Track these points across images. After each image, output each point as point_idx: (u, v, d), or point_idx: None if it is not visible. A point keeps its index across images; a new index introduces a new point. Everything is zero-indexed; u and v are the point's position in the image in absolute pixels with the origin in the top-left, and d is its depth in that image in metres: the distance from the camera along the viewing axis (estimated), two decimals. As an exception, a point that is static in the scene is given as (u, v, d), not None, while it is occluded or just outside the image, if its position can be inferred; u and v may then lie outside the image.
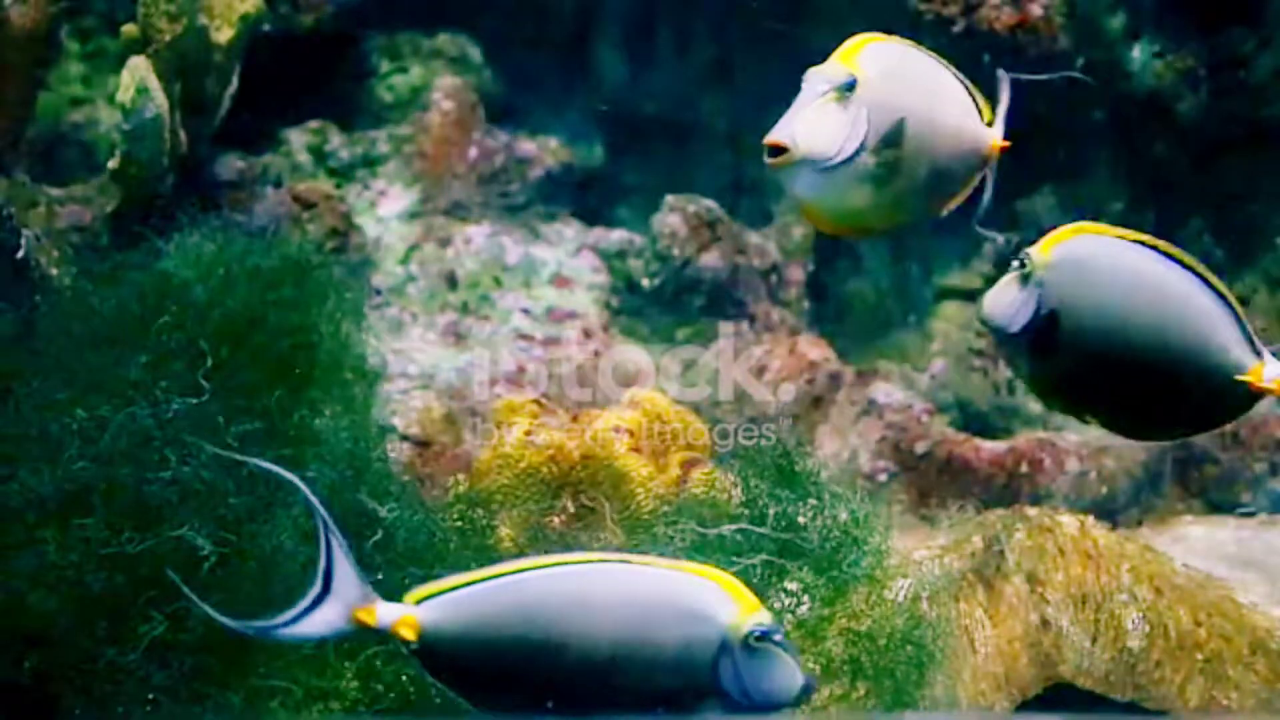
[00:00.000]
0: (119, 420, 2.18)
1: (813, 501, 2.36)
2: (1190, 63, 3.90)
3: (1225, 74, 3.89)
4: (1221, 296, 1.85)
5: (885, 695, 2.29)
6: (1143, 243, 1.87)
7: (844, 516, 2.35)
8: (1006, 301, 1.90)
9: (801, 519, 2.34)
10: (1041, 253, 1.89)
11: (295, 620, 1.80)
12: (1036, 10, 3.81)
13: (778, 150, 1.98)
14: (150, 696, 2.13)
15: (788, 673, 1.80)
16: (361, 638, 1.83)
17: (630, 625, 1.77)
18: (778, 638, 1.80)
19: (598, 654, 1.77)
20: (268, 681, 2.11)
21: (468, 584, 1.81)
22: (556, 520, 2.50)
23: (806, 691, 1.82)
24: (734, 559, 2.27)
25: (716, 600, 1.79)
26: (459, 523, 2.35)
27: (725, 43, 4.14)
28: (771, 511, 2.35)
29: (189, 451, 2.18)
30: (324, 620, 1.80)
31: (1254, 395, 1.84)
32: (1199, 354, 1.81)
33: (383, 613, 1.80)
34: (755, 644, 1.78)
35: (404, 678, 2.20)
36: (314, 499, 1.82)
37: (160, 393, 2.21)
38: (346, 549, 1.80)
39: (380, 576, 2.06)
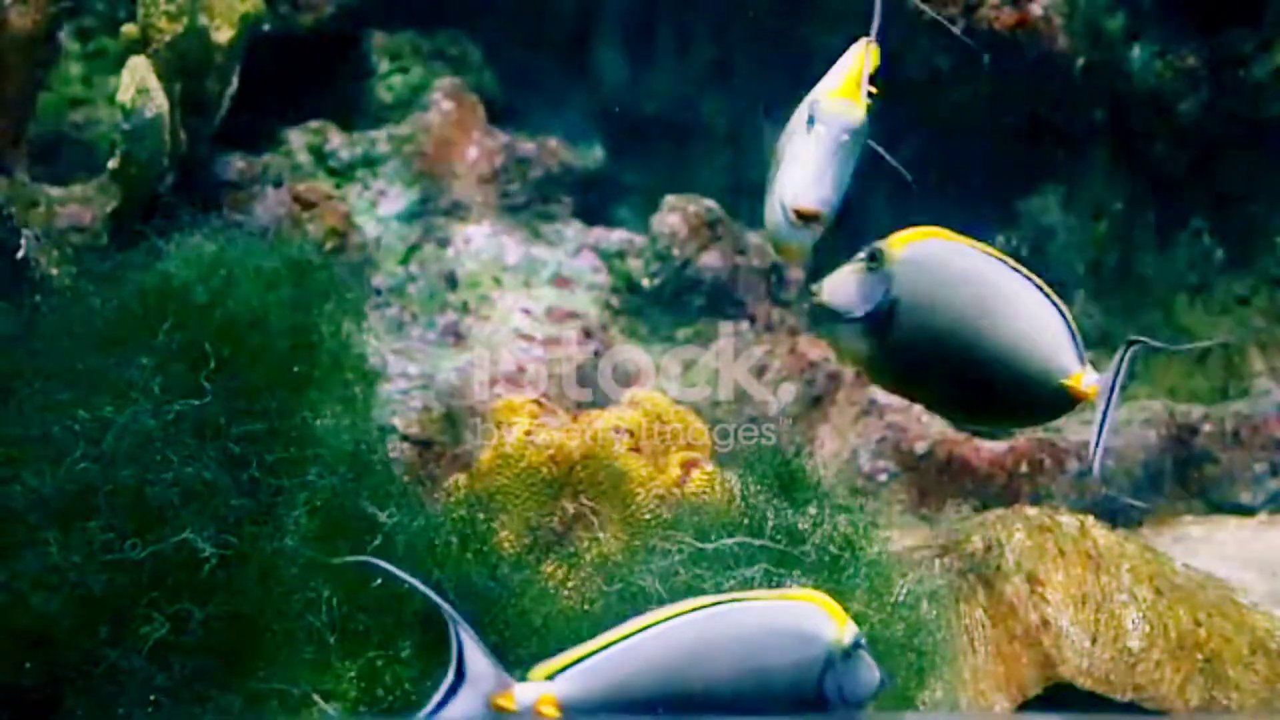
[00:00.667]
0: (121, 421, 2.17)
1: (812, 510, 2.36)
2: (1190, 63, 3.90)
3: (1225, 74, 3.89)
4: (1057, 308, 1.96)
5: (885, 699, 2.29)
6: (990, 254, 1.97)
7: (844, 523, 2.35)
8: (850, 288, 2.00)
9: (802, 525, 2.34)
10: (893, 247, 1.98)
11: (433, 713, 1.88)
12: (1036, 10, 3.80)
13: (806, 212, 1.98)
14: (152, 698, 2.13)
15: (873, 672, 1.98)
16: None
17: (748, 660, 1.93)
18: (863, 642, 1.98)
19: (722, 691, 1.92)
20: (268, 684, 2.11)
21: (593, 653, 1.91)
22: (556, 521, 2.50)
23: (884, 685, 2.00)
24: (733, 567, 2.27)
25: (819, 620, 1.96)
26: (459, 526, 2.35)
27: (725, 43, 4.14)
28: (770, 519, 2.35)
29: (190, 452, 2.18)
30: (461, 710, 1.88)
31: (1075, 400, 1.96)
32: (1024, 356, 1.95)
33: (520, 695, 1.88)
34: (851, 653, 1.96)
35: (405, 681, 2.20)
36: (436, 596, 1.91)
37: (162, 393, 2.21)
38: (475, 636, 1.88)
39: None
